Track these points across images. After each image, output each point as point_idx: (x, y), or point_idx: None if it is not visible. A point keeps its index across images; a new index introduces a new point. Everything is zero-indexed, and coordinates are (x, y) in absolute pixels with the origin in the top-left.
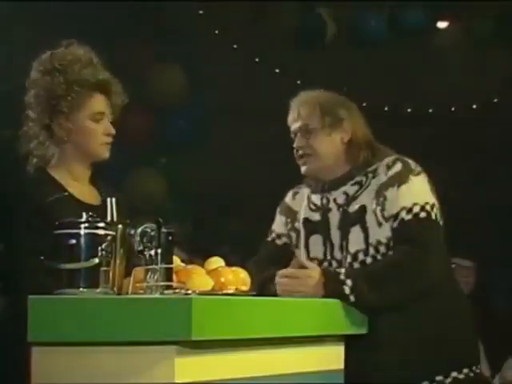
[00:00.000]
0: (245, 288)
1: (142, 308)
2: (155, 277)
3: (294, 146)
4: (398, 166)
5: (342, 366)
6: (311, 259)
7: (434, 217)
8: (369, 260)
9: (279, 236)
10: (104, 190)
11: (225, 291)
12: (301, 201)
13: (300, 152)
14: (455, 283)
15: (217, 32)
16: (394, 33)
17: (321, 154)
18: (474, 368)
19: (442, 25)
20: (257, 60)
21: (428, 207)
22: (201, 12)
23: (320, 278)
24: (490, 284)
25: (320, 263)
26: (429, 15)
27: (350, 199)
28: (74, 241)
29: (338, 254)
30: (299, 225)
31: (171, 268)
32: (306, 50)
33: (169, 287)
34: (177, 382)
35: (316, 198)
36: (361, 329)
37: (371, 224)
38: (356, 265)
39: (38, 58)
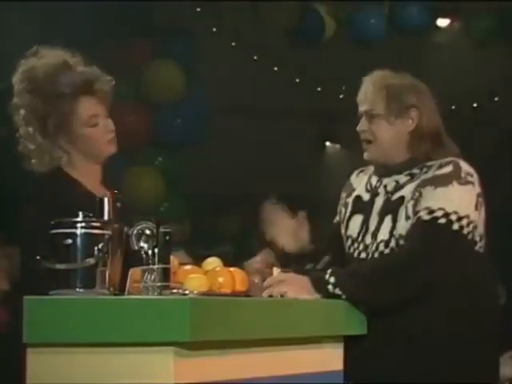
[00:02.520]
0: (242, 288)
1: (139, 309)
2: (152, 277)
3: (357, 128)
4: (448, 169)
5: (341, 367)
6: (347, 237)
7: (456, 228)
8: (387, 252)
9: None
10: (113, 190)
11: (222, 292)
12: (362, 178)
13: (362, 136)
14: (477, 292)
15: (215, 30)
16: (393, 31)
17: (382, 142)
18: None
19: (442, 23)
20: (255, 58)
21: (453, 217)
22: (198, 9)
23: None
24: None
25: (352, 242)
26: (429, 14)
27: (397, 188)
28: (70, 240)
29: (368, 239)
30: (350, 200)
31: (168, 268)
32: (304, 48)
33: (166, 288)
34: (174, 382)
35: (374, 180)
36: (360, 330)
37: (401, 217)
38: (376, 255)
39: (17, 69)
